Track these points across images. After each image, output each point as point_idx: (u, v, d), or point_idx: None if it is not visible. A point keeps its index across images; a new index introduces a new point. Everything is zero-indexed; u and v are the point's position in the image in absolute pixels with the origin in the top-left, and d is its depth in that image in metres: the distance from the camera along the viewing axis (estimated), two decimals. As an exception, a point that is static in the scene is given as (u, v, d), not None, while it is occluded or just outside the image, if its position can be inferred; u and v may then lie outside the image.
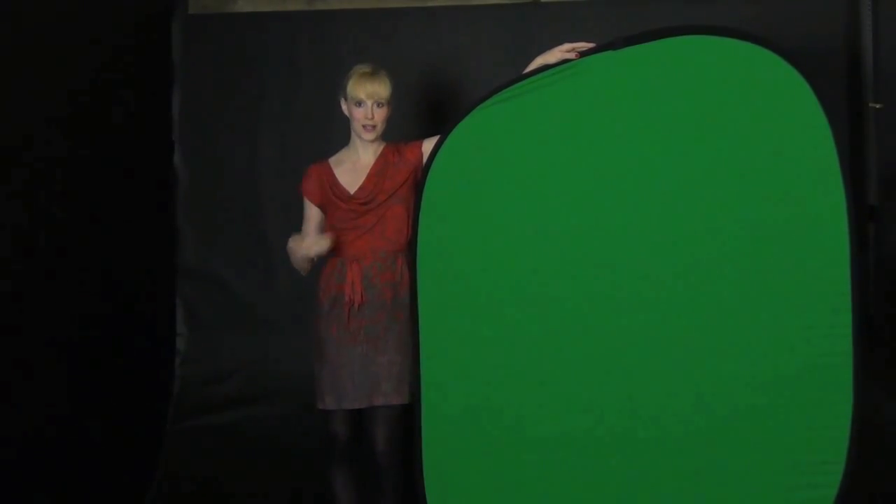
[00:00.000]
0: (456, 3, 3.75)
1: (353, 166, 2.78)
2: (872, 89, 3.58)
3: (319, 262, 2.82)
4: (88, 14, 3.12)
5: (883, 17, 3.58)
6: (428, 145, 2.73)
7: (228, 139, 3.83)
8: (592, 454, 2.55)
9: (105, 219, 3.23)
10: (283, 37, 3.81)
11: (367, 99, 2.70)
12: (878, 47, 3.58)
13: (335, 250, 2.76)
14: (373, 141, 2.75)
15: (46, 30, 2.86)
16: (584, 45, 2.53)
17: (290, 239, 2.71)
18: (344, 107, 2.77)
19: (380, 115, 2.72)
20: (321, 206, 2.79)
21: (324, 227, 2.82)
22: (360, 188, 2.73)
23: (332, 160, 2.82)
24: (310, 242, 2.69)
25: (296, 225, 2.88)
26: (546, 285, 2.55)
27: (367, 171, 2.75)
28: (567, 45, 2.54)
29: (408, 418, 2.67)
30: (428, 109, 3.71)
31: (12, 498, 2.65)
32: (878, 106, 3.54)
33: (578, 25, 3.50)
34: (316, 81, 3.70)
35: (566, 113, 2.54)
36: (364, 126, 2.71)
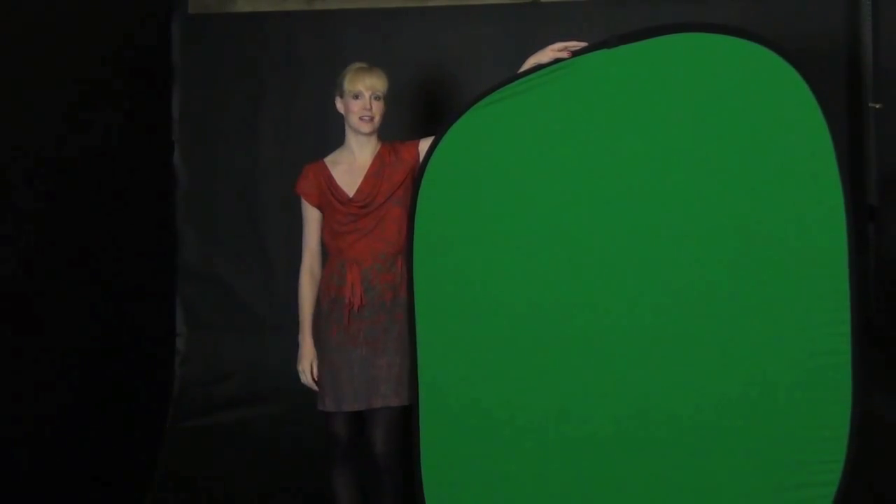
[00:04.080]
0: (455, 3, 3.76)
1: (350, 167, 2.77)
2: (872, 89, 3.57)
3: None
4: (88, 14, 3.12)
5: (883, 17, 3.58)
6: (424, 144, 2.73)
7: (228, 139, 3.84)
8: (591, 454, 2.54)
9: (105, 219, 3.23)
10: (283, 37, 3.82)
11: (365, 91, 2.70)
12: (878, 47, 3.58)
13: (335, 252, 2.76)
14: (369, 135, 2.75)
15: (46, 30, 2.86)
16: (576, 44, 2.52)
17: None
18: (339, 105, 2.77)
19: (377, 107, 2.72)
20: (319, 207, 2.79)
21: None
22: (358, 191, 2.73)
23: (328, 160, 2.82)
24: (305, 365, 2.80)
25: (296, 226, 2.88)
26: (543, 285, 2.55)
27: (364, 172, 2.75)
28: (559, 45, 2.52)
29: (407, 420, 2.67)
30: (428, 109, 3.71)
31: (13, 498, 2.65)
32: (878, 106, 3.54)
33: (578, 25, 3.51)
34: (316, 81, 3.70)
35: (561, 112, 2.53)
36: (361, 118, 2.71)
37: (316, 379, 2.79)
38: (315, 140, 3.60)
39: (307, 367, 2.80)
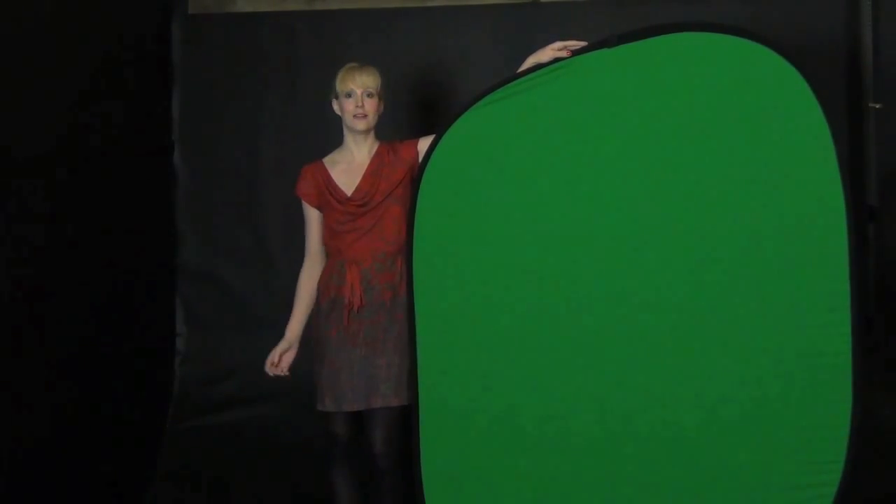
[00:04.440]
0: (455, 3, 3.76)
1: (349, 166, 2.77)
2: (872, 89, 3.57)
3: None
4: (88, 14, 3.12)
5: (883, 17, 3.59)
6: (423, 143, 2.73)
7: (228, 139, 3.84)
8: (591, 454, 2.54)
9: (105, 219, 3.23)
10: (283, 37, 3.82)
11: (356, 88, 2.71)
12: (878, 47, 3.58)
13: (334, 252, 2.76)
14: (365, 132, 2.75)
15: (46, 30, 2.86)
16: (575, 44, 2.52)
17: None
18: (335, 106, 2.78)
19: (370, 104, 2.72)
20: (319, 208, 2.78)
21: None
22: (357, 189, 2.73)
23: (326, 160, 2.82)
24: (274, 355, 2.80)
25: (296, 225, 2.88)
26: (543, 285, 2.55)
27: (363, 171, 2.75)
28: (559, 44, 2.53)
29: (406, 419, 2.67)
30: (427, 109, 3.71)
31: (12, 498, 2.65)
32: (877, 106, 3.54)
33: (578, 25, 3.51)
34: (316, 81, 3.69)
35: (561, 112, 2.53)
36: (355, 116, 2.71)
37: (275, 363, 2.79)
38: (315, 140, 3.59)
39: (275, 354, 2.79)
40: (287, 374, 2.81)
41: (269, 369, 2.80)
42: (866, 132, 3.58)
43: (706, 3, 3.52)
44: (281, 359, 2.80)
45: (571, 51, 2.52)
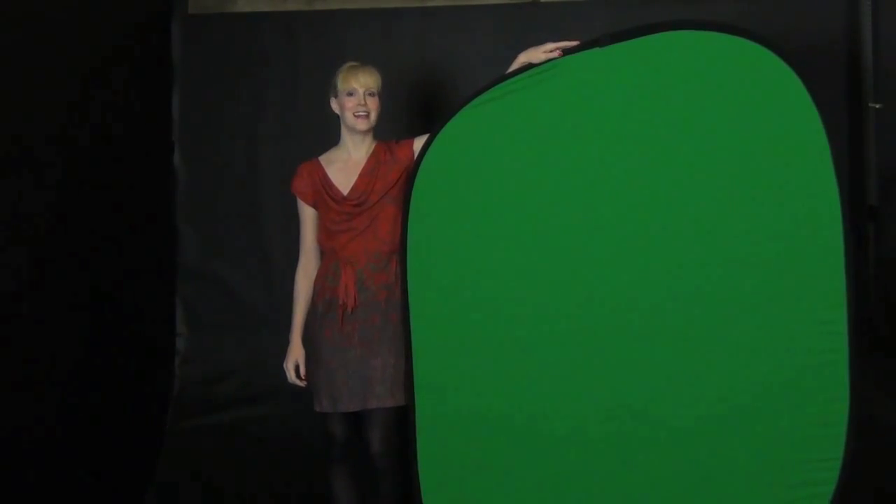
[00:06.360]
0: (455, 3, 3.76)
1: (345, 165, 2.77)
2: (872, 89, 3.57)
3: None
4: (88, 14, 3.12)
5: (883, 17, 3.58)
6: (419, 144, 2.73)
7: (228, 139, 3.84)
8: (588, 454, 2.54)
9: (105, 219, 3.23)
10: (283, 37, 3.82)
11: (359, 87, 2.70)
12: (878, 47, 3.58)
13: (329, 252, 2.76)
14: (366, 132, 2.75)
15: (46, 30, 2.86)
16: (567, 44, 2.52)
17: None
18: (334, 104, 2.78)
19: (372, 104, 2.72)
20: (314, 206, 2.78)
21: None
22: (353, 188, 2.73)
23: (323, 159, 2.82)
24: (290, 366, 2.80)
25: (296, 225, 2.88)
26: (537, 285, 2.55)
27: (359, 170, 2.75)
28: (550, 45, 2.52)
29: (403, 419, 2.67)
30: (427, 109, 3.71)
31: (12, 498, 2.65)
32: (878, 106, 3.54)
33: (578, 25, 3.50)
34: (316, 81, 3.69)
35: (554, 111, 2.53)
36: (357, 114, 2.71)
37: (303, 377, 2.79)
38: (315, 140, 3.57)
39: (291, 366, 2.80)
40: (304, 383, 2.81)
41: (295, 382, 2.81)
42: (866, 132, 3.58)
43: (705, 2, 3.52)
44: (298, 369, 2.80)
45: (563, 51, 2.52)
